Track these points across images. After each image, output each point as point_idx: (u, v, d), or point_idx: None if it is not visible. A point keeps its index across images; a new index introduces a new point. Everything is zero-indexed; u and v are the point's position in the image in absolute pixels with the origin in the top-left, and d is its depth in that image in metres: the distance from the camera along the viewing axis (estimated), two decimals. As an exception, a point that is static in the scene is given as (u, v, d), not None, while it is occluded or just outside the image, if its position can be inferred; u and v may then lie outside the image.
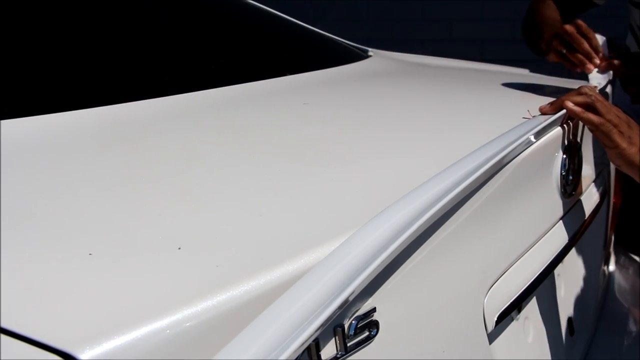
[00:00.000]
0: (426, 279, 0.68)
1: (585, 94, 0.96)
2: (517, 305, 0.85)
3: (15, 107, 0.82)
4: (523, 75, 1.47)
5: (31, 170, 0.68)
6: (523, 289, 0.86)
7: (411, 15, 3.83)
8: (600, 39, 1.31)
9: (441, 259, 0.70)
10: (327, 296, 0.51)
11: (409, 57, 1.58)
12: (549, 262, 0.94)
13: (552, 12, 1.48)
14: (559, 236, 0.99)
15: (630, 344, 1.27)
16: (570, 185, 1.01)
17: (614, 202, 1.39)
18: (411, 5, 3.81)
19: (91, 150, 0.75)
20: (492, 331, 0.78)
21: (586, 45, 1.24)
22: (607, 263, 1.39)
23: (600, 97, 0.96)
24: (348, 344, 0.56)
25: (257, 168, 0.75)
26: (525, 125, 0.87)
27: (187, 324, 0.48)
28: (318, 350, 0.54)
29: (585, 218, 1.10)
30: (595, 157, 1.17)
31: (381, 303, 0.60)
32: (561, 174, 0.97)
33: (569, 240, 1.00)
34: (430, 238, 0.67)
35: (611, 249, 1.43)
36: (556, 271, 1.00)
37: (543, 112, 0.97)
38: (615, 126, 0.94)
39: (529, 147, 0.85)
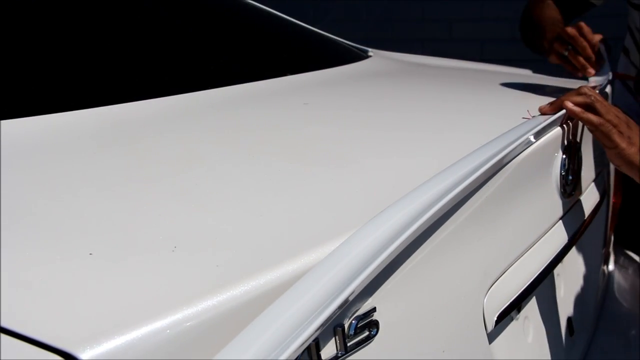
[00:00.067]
0: (426, 279, 0.68)
1: (585, 94, 0.96)
2: (516, 305, 0.85)
3: (15, 107, 0.82)
4: (523, 75, 1.47)
5: (31, 170, 0.68)
6: (523, 288, 0.86)
7: (411, 15, 3.83)
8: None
9: (441, 259, 0.70)
10: (327, 296, 0.51)
11: (409, 57, 1.58)
12: (549, 262, 0.94)
13: (552, 11, 1.48)
14: (559, 236, 0.99)
15: (630, 344, 1.27)
16: (569, 185, 1.01)
17: (614, 202, 1.40)
18: (411, 5, 3.81)
19: (91, 150, 0.75)
20: (491, 331, 0.78)
21: (588, 50, 1.25)
22: (606, 263, 1.39)
23: (599, 97, 0.96)
24: (348, 344, 0.56)
25: (257, 168, 0.75)
26: (525, 125, 0.87)
27: (187, 324, 0.48)
28: (318, 350, 0.54)
29: (585, 218, 1.10)
30: (595, 157, 1.17)
31: (381, 303, 0.60)
32: (561, 174, 0.97)
33: (568, 240, 1.00)
34: (430, 238, 0.67)
35: (611, 249, 1.43)
36: (556, 271, 1.00)
37: (543, 112, 0.97)
38: (614, 126, 0.94)
39: (528, 147, 0.85)
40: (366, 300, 0.59)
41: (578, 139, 1.03)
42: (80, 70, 0.95)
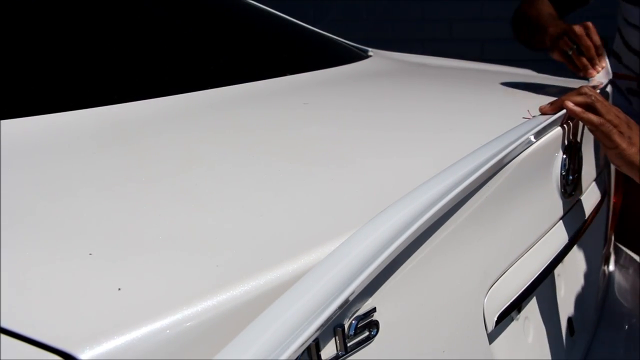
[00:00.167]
0: (426, 279, 0.68)
1: (585, 94, 0.96)
2: (517, 305, 0.85)
3: (15, 107, 0.82)
4: (523, 75, 1.47)
5: (31, 170, 0.68)
6: (523, 289, 0.86)
7: (411, 15, 3.83)
8: None
9: (441, 259, 0.70)
10: (327, 296, 0.51)
11: (409, 57, 1.58)
12: (549, 262, 0.94)
13: (547, 7, 1.48)
14: (559, 236, 0.99)
15: (630, 344, 1.27)
16: (570, 185, 1.01)
17: (614, 202, 1.40)
18: (411, 5, 3.81)
19: (91, 150, 0.75)
20: (492, 331, 0.78)
21: (592, 50, 1.25)
22: (607, 263, 1.39)
23: (600, 97, 0.96)
24: (348, 344, 0.56)
25: (257, 168, 0.75)
26: (525, 125, 0.87)
27: (187, 324, 0.48)
28: (318, 350, 0.54)
29: (585, 218, 1.10)
30: (595, 157, 1.17)
31: (381, 303, 0.60)
32: (561, 174, 0.97)
33: (569, 240, 1.00)
34: (430, 238, 0.67)
35: (611, 249, 1.43)
36: (556, 271, 1.00)
37: (543, 112, 0.97)
38: (615, 126, 0.94)
39: (529, 147, 0.85)
40: (366, 301, 0.59)
41: (578, 139, 1.02)
42: (80, 70, 0.95)
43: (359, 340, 0.58)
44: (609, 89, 1.28)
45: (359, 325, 0.58)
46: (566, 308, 1.07)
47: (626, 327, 1.31)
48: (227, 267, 0.54)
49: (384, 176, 0.76)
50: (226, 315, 0.50)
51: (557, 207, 0.98)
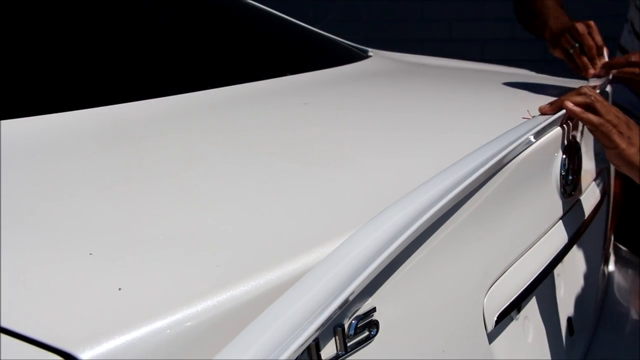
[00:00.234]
0: (426, 279, 0.68)
1: (585, 94, 0.96)
2: (516, 305, 0.85)
3: (15, 107, 0.82)
4: (523, 75, 1.47)
5: (31, 170, 0.68)
6: (523, 288, 0.86)
7: (411, 15, 3.83)
8: None
9: (441, 259, 0.70)
10: (327, 296, 0.51)
11: (409, 57, 1.58)
12: (549, 262, 0.94)
13: None
14: (559, 236, 0.99)
15: (630, 344, 1.27)
16: (569, 185, 1.01)
17: (614, 202, 1.40)
18: (411, 5, 3.81)
19: (91, 150, 0.75)
20: (491, 331, 0.78)
21: (594, 50, 1.25)
22: (606, 263, 1.39)
23: (599, 98, 0.96)
24: (348, 344, 0.56)
25: (257, 168, 0.75)
26: (525, 125, 0.87)
27: (187, 324, 0.48)
28: (318, 350, 0.54)
29: (585, 218, 1.10)
30: (595, 157, 1.17)
31: (381, 303, 0.60)
32: (561, 174, 0.97)
33: (568, 240, 1.00)
34: (430, 238, 0.67)
35: (611, 249, 1.43)
36: (556, 271, 1.00)
37: (543, 112, 0.97)
38: (614, 126, 0.94)
39: (528, 147, 0.85)
40: (366, 300, 0.59)
41: (578, 139, 1.03)
42: (80, 70, 0.95)
43: (359, 340, 0.58)
44: (608, 89, 1.28)
45: (359, 325, 0.58)
46: (566, 308, 1.07)
47: (626, 327, 1.31)
48: (227, 267, 0.54)
49: (384, 176, 0.77)
50: (226, 315, 0.50)
51: (556, 207, 0.99)
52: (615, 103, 1.42)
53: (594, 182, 1.18)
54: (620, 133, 0.94)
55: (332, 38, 1.50)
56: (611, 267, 1.43)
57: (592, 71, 1.25)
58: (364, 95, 1.15)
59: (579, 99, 0.96)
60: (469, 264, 0.76)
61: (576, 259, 1.13)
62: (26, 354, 0.44)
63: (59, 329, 0.45)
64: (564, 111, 0.95)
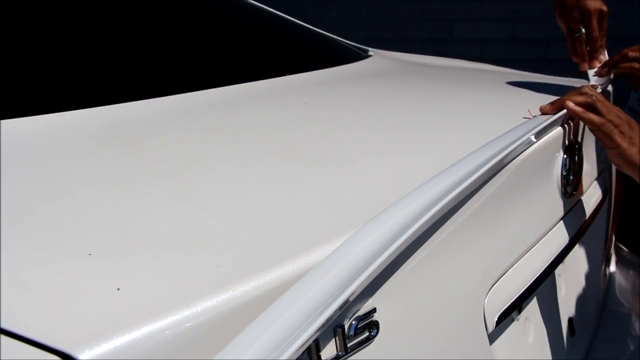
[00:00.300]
0: (426, 279, 0.68)
1: (586, 93, 0.96)
2: (517, 305, 0.85)
3: (15, 107, 0.82)
4: (523, 75, 1.46)
5: (31, 170, 0.68)
6: (523, 289, 0.86)
7: (411, 15, 3.83)
8: None
9: (441, 259, 0.70)
10: (327, 296, 0.51)
11: (409, 57, 1.58)
12: (550, 262, 0.93)
13: None
14: (560, 236, 0.98)
15: (631, 345, 1.27)
16: (570, 186, 1.00)
17: (615, 202, 1.39)
18: (411, 5, 3.81)
19: (91, 150, 0.75)
20: (492, 331, 0.78)
21: (597, 44, 1.22)
22: (607, 263, 1.39)
23: (601, 97, 0.96)
24: (348, 345, 0.56)
25: (257, 168, 0.75)
26: (525, 125, 0.87)
27: (187, 324, 0.48)
28: (318, 350, 0.54)
29: (586, 218, 1.10)
30: (596, 157, 1.17)
31: (381, 303, 0.60)
32: (562, 174, 0.97)
33: (569, 240, 1.00)
34: (431, 238, 0.67)
35: (612, 249, 1.43)
36: (557, 271, 1.00)
37: (543, 112, 0.96)
38: (616, 126, 0.94)
39: (529, 147, 0.85)
40: (366, 301, 0.59)
41: (579, 139, 1.02)
42: (79, 70, 0.95)
43: (359, 341, 0.57)
44: (609, 88, 1.28)
45: (359, 326, 0.57)
46: (567, 308, 1.06)
47: (627, 327, 1.31)
48: (227, 267, 0.54)
49: (384, 176, 0.76)
50: (226, 315, 0.50)
51: (557, 207, 0.98)
52: (623, 105, 1.41)
53: (594, 182, 1.18)
54: (622, 133, 0.94)
55: (332, 38, 1.50)
56: (612, 267, 1.43)
57: (585, 65, 1.23)
58: (364, 95, 1.15)
59: (580, 98, 0.95)
60: (470, 264, 0.76)
61: (577, 259, 1.13)
62: (25, 354, 0.44)
63: (58, 329, 0.45)
64: (564, 111, 0.95)
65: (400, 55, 1.57)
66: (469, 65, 1.58)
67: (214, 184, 0.70)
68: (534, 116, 0.96)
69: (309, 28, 1.47)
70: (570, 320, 1.07)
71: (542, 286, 0.92)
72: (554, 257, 0.95)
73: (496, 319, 0.78)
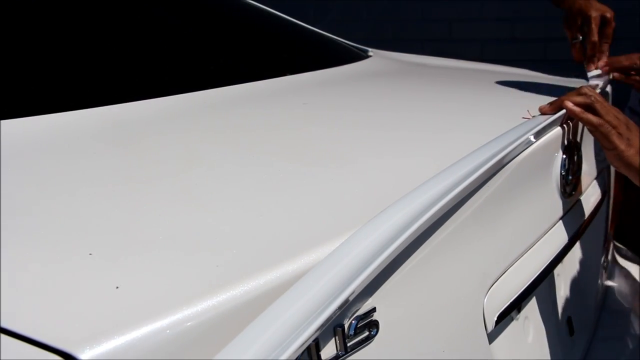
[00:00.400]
0: (426, 279, 0.68)
1: (585, 94, 0.96)
2: (517, 305, 0.85)
3: (15, 107, 0.82)
4: (523, 75, 1.47)
5: (31, 170, 0.68)
6: (523, 289, 0.86)
7: (411, 15, 3.83)
8: None
9: (441, 259, 0.70)
10: (327, 296, 0.51)
11: (409, 57, 1.58)
12: (549, 262, 0.94)
13: None
14: (559, 236, 0.99)
15: (630, 344, 1.27)
16: (570, 185, 1.01)
17: (614, 202, 1.40)
18: (411, 5, 3.81)
19: (91, 150, 0.75)
20: (492, 331, 0.78)
21: (596, 49, 1.24)
22: (606, 263, 1.39)
23: (600, 98, 0.96)
24: (348, 344, 0.56)
25: (257, 168, 0.75)
26: (525, 125, 0.87)
27: (187, 324, 0.48)
28: (318, 350, 0.54)
29: (585, 218, 1.10)
30: (595, 157, 1.17)
31: (381, 303, 0.60)
32: (561, 174, 0.97)
33: (568, 240, 1.00)
34: (430, 238, 0.67)
35: (611, 249, 1.43)
36: (556, 271, 1.00)
37: (543, 112, 0.97)
38: (614, 127, 0.94)
39: (528, 147, 0.85)
40: (366, 301, 0.59)
41: (578, 139, 1.02)
42: (80, 70, 0.95)
43: (359, 340, 0.58)
44: (608, 88, 1.28)
45: (358, 325, 0.58)
46: (566, 308, 1.07)
47: (626, 327, 1.31)
48: (227, 267, 0.54)
49: (384, 176, 0.77)
50: (226, 315, 0.50)
51: (556, 207, 0.99)
52: (623, 105, 1.41)
53: (594, 182, 1.18)
54: (620, 134, 0.94)
55: (332, 38, 1.50)
56: (611, 267, 1.43)
57: (591, 65, 1.25)
58: (364, 95, 1.15)
59: (579, 99, 0.96)
60: (469, 264, 0.76)
61: (576, 259, 1.13)
62: (26, 354, 0.44)
63: (58, 329, 0.45)
64: (564, 111, 0.95)
65: (400, 55, 1.57)
66: (469, 66, 1.58)
67: (214, 184, 0.70)
68: (533, 116, 0.96)
69: (309, 28, 1.47)
70: (569, 319, 1.07)
71: (542, 286, 0.92)
72: (553, 256, 0.95)
73: (495, 319, 0.78)
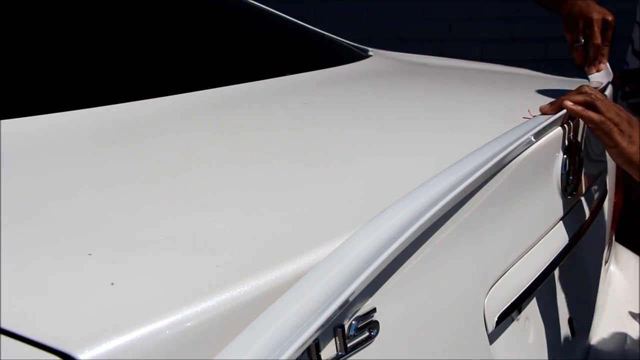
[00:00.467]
0: (426, 279, 0.68)
1: (585, 92, 0.96)
2: (517, 305, 0.85)
3: (15, 107, 0.82)
4: (523, 75, 1.46)
5: (31, 170, 0.68)
6: (523, 289, 0.86)
7: (411, 15, 3.83)
8: None
9: (441, 259, 0.70)
10: (327, 296, 0.51)
11: (409, 57, 1.58)
12: (550, 262, 0.93)
13: None
14: (560, 236, 0.98)
15: (630, 345, 1.27)
16: (570, 185, 1.00)
17: (615, 202, 1.39)
18: (411, 5, 3.81)
19: (91, 150, 0.75)
20: (492, 331, 0.78)
21: (598, 52, 1.24)
22: (607, 263, 1.39)
23: (600, 96, 0.96)
24: (348, 345, 0.56)
25: (257, 168, 0.75)
26: (525, 125, 0.87)
27: (187, 324, 0.48)
28: (318, 350, 0.54)
29: (586, 218, 1.10)
30: (595, 157, 1.17)
31: (381, 303, 0.60)
32: (562, 174, 0.97)
33: (569, 240, 1.00)
34: (431, 238, 0.67)
35: (612, 249, 1.43)
36: (557, 271, 1.00)
37: (543, 112, 0.97)
38: (615, 124, 0.94)
39: (529, 147, 0.85)
40: (366, 301, 0.59)
41: (579, 139, 1.02)
42: (79, 70, 0.95)
43: (359, 341, 0.57)
44: (609, 88, 1.28)
45: (359, 326, 0.57)
46: (567, 308, 1.06)
47: (626, 327, 1.31)
48: (227, 267, 0.54)
49: (384, 176, 0.76)
50: (226, 315, 0.50)
51: (557, 207, 0.98)
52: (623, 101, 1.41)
53: (594, 182, 1.18)
54: (621, 131, 0.94)
55: (332, 38, 1.50)
56: (612, 267, 1.43)
57: (592, 68, 1.25)
58: (364, 95, 1.15)
59: (580, 97, 0.96)
60: (470, 264, 0.76)
61: (577, 259, 1.13)
62: (25, 354, 0.44)
63: (58, 329, 0.45)
64: (564, 111, 0.95)
65: (400, 55, 1.57)
66: (469, 65, 1.58)
67: (214, 184, 0.70)
68: (534, 116, 0.96)
69: (309, 28, 1.47)
70: (570, 320, 1.07)
71: (542, 286, 0.92)
72: (554, 257, 0.95)
73: (496, 319, 0.78)
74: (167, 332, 0.47)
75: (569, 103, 0.95)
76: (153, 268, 0.53)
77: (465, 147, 0.77)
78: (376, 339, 0.59)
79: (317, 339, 0.52)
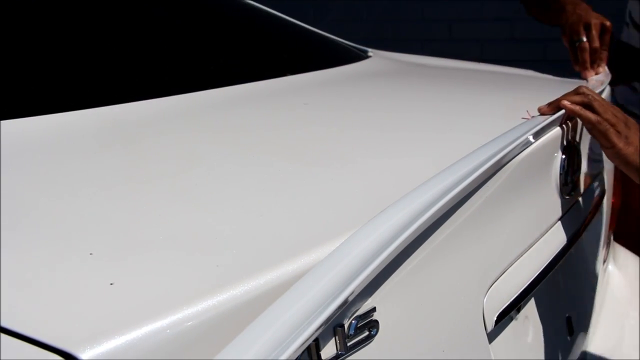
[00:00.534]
0: (426, 278, 0.68)
1: (583, 93, 0.96)
2: (516, 305, 0.85)
3: (15, 107, 0.82)
4: (523, 75, 1.47)
5: (31, 170, 0.68)
6: (522, 288, 0.86)
7: (411, 15, 3.83)
8: None
9: (441, 259, 0.70)
10: (327, 296, 0.51)
11: (409, 57, 1.58)
12: (549, 262, 0.94)
13: None
14: (559, 236, 0.99)
15: (629, 344, 1.27)
16: (569, 185, 1.01)
17: (613, 202, 1.40)
18: (411, 5, 3.81)
19: (91, 150, 0.76)
20: (491, 331, 0.78)
21: (598, 54, 1.25)
22: (606, 263, 1.39)
23: (598, 97, 0.97)
24: (348, 344, 0.57)
25: (257, 168, 0.75)
26: (524, 126, 0.87)
27: (187, 324, 0.48)
28: (318, 350, 0.54)
29: (585, 218, 1.10)
30: (594, 157, 1.17)
31: (381, 303, 0.60)
32: (560, 174, 0.97)
33: (568, 240, 1.00)
34: (430, 238, 0.67)
35: (610, 249, 1.43)
36: (555, 271, 1.00)
37: (542, 112, 0.97)
38: (612, 125, 0.94)
39: (528, 147, 0.85)
40: (366, 300, 0.59)
41: (577, 139, 1.03)
42: (80, 70, 0.95)
43: (359, 340, 0.58)
44: (607, 89, 1.28)
45: (359, 325, 0.58)
46: (565, 308, 1.07)
47: (625, 327, 1.31)
48: (227, 267, 0.54)
49: (384, 176, 0.77)
50: (226, 315, 0.50)
51: (556, 207, 0.99)
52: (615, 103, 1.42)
53: (593, 182, 1.18)
54: (618, 132, 0.94)
55: (332, 38, 1.50)
56: (611, 267, 1.43)
57: (588, 72, 1.26)
58: (364, 95, 1.16)
59: (577, 98, 0.96)
60: (469, 264, 0.76)
61: (576, 258, 1.13)
62: (26, 354, 0.44)
63: (59, 329, 0.46)
64: (563, 111, 0.95)
65: (400, 55, 1.57)
66: (469, 66, 1.58)
67: (214, 184, 0.70)
68: (533, 116, 0.96)
69: (308, 28, 1.47)
70: (568, 319, 1.07)
71: (541, 286, 0.92)
72: (553, 256, 0.95)
73: (495, 318, 0.79)
74: (168, 331, 0.47)
75: (566, 102, 0.95)
76: (154, 267, 0.53)
77: (464, 147, 0.77)
78: (376, 338, 0.59)
79: (317, 338, 0.53)
